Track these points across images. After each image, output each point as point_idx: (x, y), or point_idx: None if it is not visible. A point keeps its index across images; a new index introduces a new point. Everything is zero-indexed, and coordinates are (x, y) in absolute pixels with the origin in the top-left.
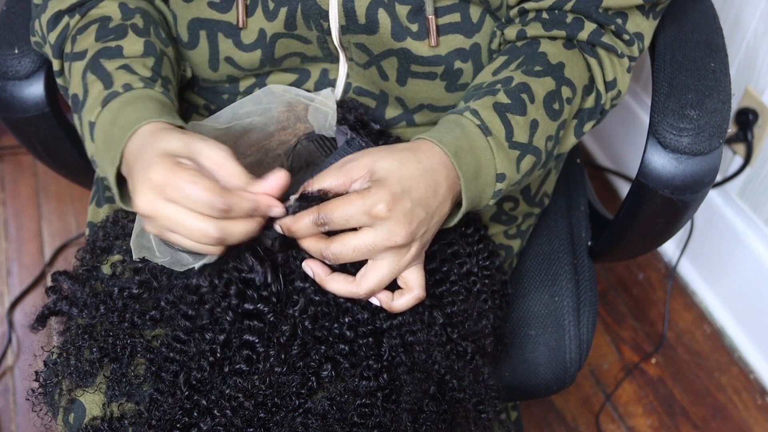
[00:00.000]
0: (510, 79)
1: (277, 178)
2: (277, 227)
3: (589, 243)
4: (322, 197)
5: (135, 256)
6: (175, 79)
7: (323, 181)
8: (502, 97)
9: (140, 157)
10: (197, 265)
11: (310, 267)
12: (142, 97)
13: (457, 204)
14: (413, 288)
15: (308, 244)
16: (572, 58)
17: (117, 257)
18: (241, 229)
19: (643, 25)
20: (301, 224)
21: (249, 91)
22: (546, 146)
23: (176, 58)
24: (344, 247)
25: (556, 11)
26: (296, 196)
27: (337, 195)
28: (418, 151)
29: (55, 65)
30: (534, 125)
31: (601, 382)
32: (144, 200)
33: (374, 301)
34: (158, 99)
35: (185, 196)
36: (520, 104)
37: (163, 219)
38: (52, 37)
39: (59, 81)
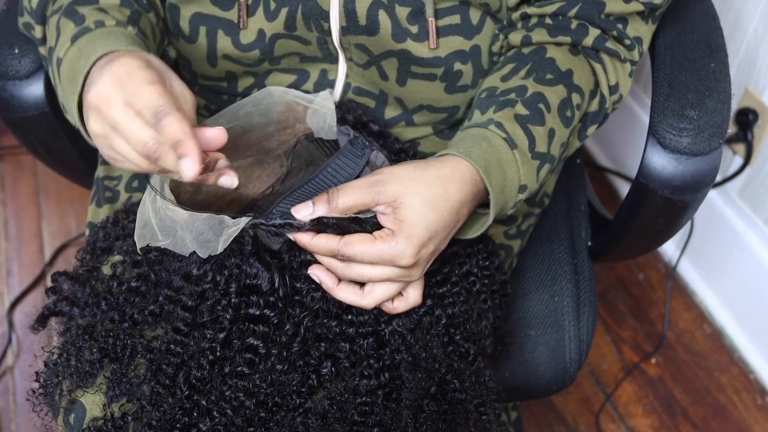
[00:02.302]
0: (524, 89)
1: (215, 133)
2: (291, 237)
3: (589, 243)
4: (340, 224)
5: (138, 246)
6: (154, 40)
7: (349, 197)
8: (521, 109)
9: (107, 64)
10: (203, 256)
11: (317, 275)
12: (113, 32)
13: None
14: (411, 297)
15: (325, 262)
16: (579, 65)
17: (117, 258)
18: (170, 160)
19: (642, 30)
20: (319, 248)
21: (247, 92)
22: (559, 153)
23: (158, 25)
24: (361, 277)
25: (560, 17)
26: (313, 213)
27: (357, 213)
28: (449, 184)
29: (38, 32)
30: (551, 134)
31: (601, 382)
32: (102, 86)
33: None
34: (131, 37)
35: (139, 96)
36: (539, 115)
37: (111, 111)
38: (34, 2)
39: (41, 51)
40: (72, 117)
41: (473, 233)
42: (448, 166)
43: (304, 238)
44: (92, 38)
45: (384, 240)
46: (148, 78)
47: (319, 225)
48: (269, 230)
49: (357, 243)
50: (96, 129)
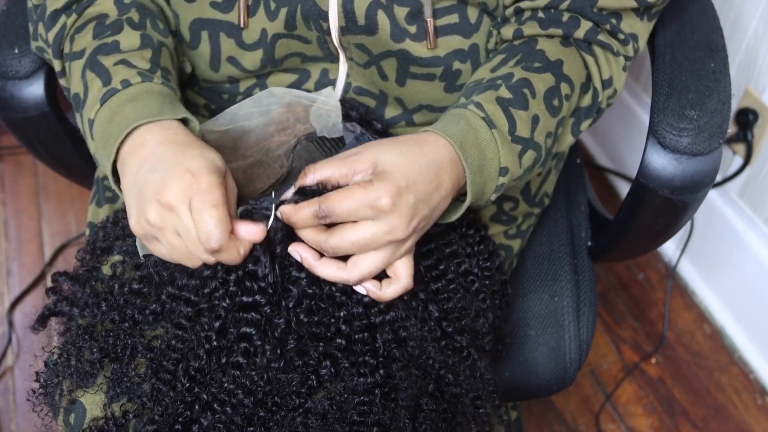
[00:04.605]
0: (510, 75)
1: (250, 229)
2: (278, 214)
3: (589, 243)
4: (321, 191)
5: (141, 254)
6: (175, 69)
7: (325, 169)
8: (504, 92)
9: (153, 165)
10: None
11: (297, 252)
12: (141, 94)
13: (457, 198)
14: (401, 278)
15: (307, 235)
16: (570, 56)
17: (117, 258)
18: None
19: (637, 27)
20: (301, 215)
21: (249, 91)
22: (546, 143)
23: (176, 49)
24: (343, 241)
25: (552, 10)
26: (294, 189)
27: (337, 187)
28: (423, 144)
29: (57, 65)
30: (535, 120)
31: (601, 382)
32: (152, 212)
33: (360, 289)
34: (159, 92)
35: (188, 230)
36: (522, 99)
37: (165, 235)
38: (51, 36)
39: (62, 82)
40: (106, 173)
41: (452, 217)
42: (423, 138)
43: (287, 209)
44: (121, 102)
45: (361, 185)
46: (212, 200)
47: (303, 197)
48: (260, 213)
49: (334, 194)
50: (154, 220)
